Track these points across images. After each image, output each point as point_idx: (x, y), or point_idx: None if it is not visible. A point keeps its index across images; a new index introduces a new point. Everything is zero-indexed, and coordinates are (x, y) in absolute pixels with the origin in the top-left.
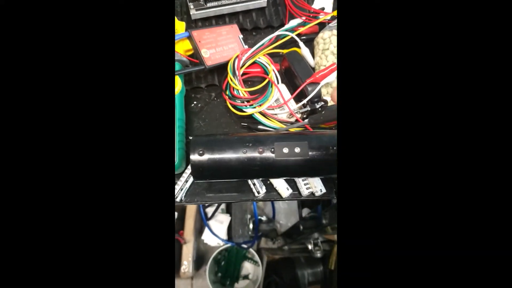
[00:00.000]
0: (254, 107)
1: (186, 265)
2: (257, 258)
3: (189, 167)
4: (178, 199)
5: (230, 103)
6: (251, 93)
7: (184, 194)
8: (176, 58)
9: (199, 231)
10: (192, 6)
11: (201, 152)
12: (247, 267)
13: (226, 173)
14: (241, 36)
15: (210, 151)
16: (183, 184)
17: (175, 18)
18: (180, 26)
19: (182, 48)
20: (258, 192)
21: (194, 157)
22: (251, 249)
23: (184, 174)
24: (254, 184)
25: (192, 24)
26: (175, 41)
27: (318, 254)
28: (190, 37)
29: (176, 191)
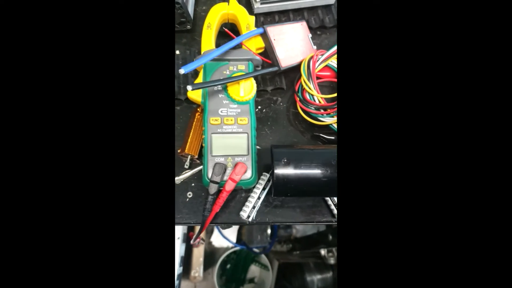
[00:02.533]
0: (332, 116)
1: (197, 269)
2: (266, 262)
3: (261, 181)
4: (250, 219)
5: (303, 109)
6: (327, 100)
7: (255, 213)
8: (248, 57)
9: (206, 232)
10: None
11: (287, 164)
12: (253, 270)
13: (312, 188)
14: (310, 35)
15: (295, 164)
16: (255, 202)
17: (245, 11)
18: (251, 20)
19: (254, 45)
20: None
21: (279, 170)
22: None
23: (256, 190)
24: (336, 205)
25: None
26: (249, 37)
27: (332, 261)
28: (264, 34)
29: (248, 210)
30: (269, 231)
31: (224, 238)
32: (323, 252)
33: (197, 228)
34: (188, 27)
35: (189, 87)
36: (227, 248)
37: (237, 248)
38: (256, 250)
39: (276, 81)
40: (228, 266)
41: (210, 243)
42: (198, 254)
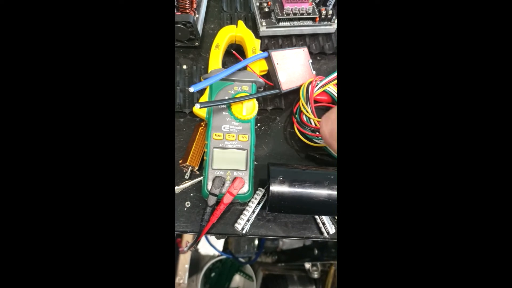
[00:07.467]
0: None
1: (182, 276)
2: (251, 272)
3: (256, 196)
4: (244, 231)
5: (299, 130)
6: None
7: (249, 225)
8: (253, 79)
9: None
10: (264, 23)
11: (282, 182)
12: (237, 279)
13: (304, 207)
14: (311, 60)
15: (290, 182)
16: (250, 215)
17: (252, 35)
18: (257, 44)
19: (258, 68)
20: (328, 233)
21: (275, 187)
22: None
23: (251, 204)
24: (323, 224)
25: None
26: (254, 61)
27: (315, 275)
28: (268, 58)
29: (243, 222)
30: (256, 242)
31: (211, 246)
32: (307, 265)
33: (185, 236)
34: (196, 43)
35: (197, 105)
36: (213, 256)
37: (223, 256)
38: (242, 260)
39: (276, 102)
40: (213, 274)
41: (196, 250)
42: (184, 261)
